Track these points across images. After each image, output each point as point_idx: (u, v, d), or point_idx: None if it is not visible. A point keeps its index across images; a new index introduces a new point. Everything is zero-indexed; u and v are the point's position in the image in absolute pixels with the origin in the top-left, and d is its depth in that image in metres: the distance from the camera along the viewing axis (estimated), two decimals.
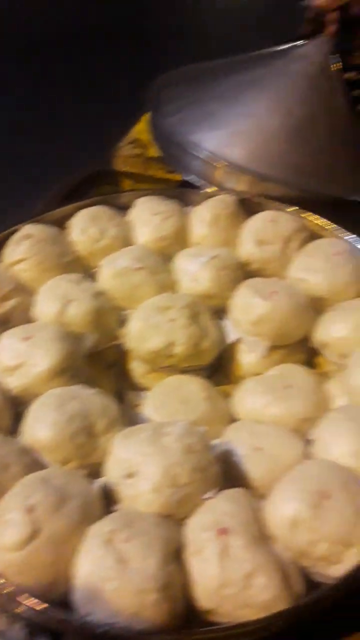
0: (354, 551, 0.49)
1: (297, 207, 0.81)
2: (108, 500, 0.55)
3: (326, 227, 0.81)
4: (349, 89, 0.86)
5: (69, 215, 0.85)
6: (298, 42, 0.93)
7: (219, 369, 0.79)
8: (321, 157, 0.83)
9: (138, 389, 0.75)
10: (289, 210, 0.82)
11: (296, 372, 0.70)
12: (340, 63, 0.88)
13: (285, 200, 0.82)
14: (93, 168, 1.18)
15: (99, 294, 0.75)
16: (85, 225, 0.83)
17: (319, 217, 0.81)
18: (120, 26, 3.48)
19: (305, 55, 0.90)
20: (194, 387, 0.69)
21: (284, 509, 0.51)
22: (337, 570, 0.50)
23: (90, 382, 0.68)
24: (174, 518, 0.53)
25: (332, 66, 0.88)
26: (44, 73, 2.96)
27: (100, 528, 0.49)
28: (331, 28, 0.89)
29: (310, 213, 0.81)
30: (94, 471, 0.58)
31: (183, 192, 0.89)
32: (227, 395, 0.72)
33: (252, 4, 3.49)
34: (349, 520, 0.50)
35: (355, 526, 0.49)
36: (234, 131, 0.85)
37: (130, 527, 0.49)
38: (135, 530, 0.49)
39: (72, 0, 3.84)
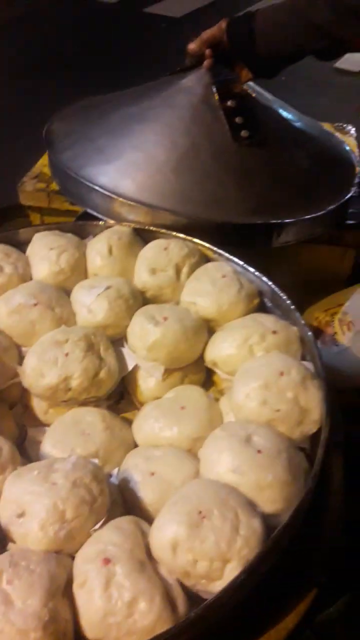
0: (232, 565, 0.52)
1: (185, 234, 0.85)
2: (3, 541, 0.57)
3: (213, 251, 0.85)
4: (229, 117, 0.91)
5: None
6: (181, 75, 0.97)
7: (123, 396, 0.81)
8: (206, 184, 0.87)
9: (41, 424, 0.76)
10: (178, 237, 0.86)
11: (190, 393, 0.74)
12: (219, 93, 0.92)
13: (175, 228, 0.86)
14: (3, 203, 1.20)
15: None
16: None
17: (205, 242, 0.85)
18: (40, 59, 3.51)
19: (188, 86, 0.95)
20: (92, 418, 0.71)
21: (163, 532, 0.53)
22: (219, 585, 0.52)
23: None
24: (64, 552, 0.55)
25: (212, 96, 0.92)
26: None
27: None
28: (208, 61, 0.94)
29: (197, 239, 0.85)
30: None
31: (80, 225, 0.92)
32: (131, 422, 0.75)
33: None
34: (225, 536, 0.52)
35: (232, 541, 0.53)
36: (123, 164, 0.88)
37: (15, 567, 0.50)
38: (19, 570, 0.50)
39: None
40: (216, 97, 0.92)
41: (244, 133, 0.89)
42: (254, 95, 0.97)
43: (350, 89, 2.99)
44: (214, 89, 0.92)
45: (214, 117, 0.91)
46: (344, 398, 0.76)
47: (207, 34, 0.94)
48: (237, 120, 0.90)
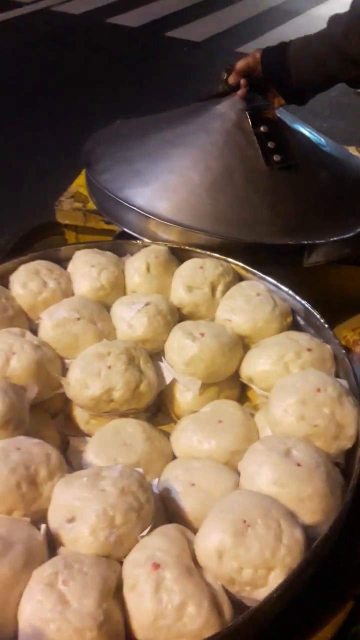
0: (276, 573, 0.54)
1: (220, 254, 0.88)
2: (52, 545, 0.59)
3: (247, 270, 0.88)
4: (262, 142, 0.95)
5: (11, 270, 0.89)
6: (215, 101, 1.02)
7: (160, 409, 0.84)
8: (239, 206, 0.90)
9: (82, 434, 0.79)
10: (213, 256, 0.89)
11: (227, 408, 0.76)
12: (252, 119, 0.96)
13: (209, 248, 0.89)
14: (38, 221, 1.24)
15: (40, 346, 0.79)
16: (26, 280, 0.87)
17: (239, 262, 0.88)
18: (65, 82, 3.63)
19: (221, 112, 0.99)
20: (133, 429, 0.74)
21: (209, 540, 0.55)
22: (263, 592, 0.54)
23: (34, 431, 0.72)
24: (112, 557, 0.57)
25: (245, 122, 0.96)
26: None
27: (42, 572, 0.53)
28: (242, 90, 0.98)
29: (231, 259, 0.88)
30: (39, 518, 0.62)
31: (118, 244, 0.95)
32: (168, 435, 0.77)
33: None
34: (269, 545, 0.55)
35: (275, 550, 0.55)
36: (160, 187, 0.92)
37: (70, 569, 0.53)
38: (74, 572, 0.53)
39: (25, 54, 3.98)
40: (249, 122, 0.96)
41: (276, 157, 0.93)
42: (284, 120, 1.01)
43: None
44: (248, 115, 0.96)
45: (247, 141, 0.95)
46: None
47: (241, 64, 0.99)
48: (270, 145, 0.94)
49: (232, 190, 0.91)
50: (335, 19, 0.90)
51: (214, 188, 0.90)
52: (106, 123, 1.39)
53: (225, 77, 1.01)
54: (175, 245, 0.91)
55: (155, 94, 3.47)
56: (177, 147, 0.96)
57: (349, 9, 0.88)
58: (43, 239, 1.22)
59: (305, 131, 1.04)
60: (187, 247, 0.90)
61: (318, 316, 0.81)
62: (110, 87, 3.58)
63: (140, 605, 0.52)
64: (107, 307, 0.88)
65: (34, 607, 0.50)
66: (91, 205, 1.13)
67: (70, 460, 0.74)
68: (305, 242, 0.90)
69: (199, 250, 0.90)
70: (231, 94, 1.01)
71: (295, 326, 0.85)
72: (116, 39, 4.33)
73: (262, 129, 0.95)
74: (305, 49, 0.92)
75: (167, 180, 0.92)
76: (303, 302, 0.84)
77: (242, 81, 0.98)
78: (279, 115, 1.00)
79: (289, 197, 0.93)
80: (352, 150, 1.34)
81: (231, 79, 1.00)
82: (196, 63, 3.92)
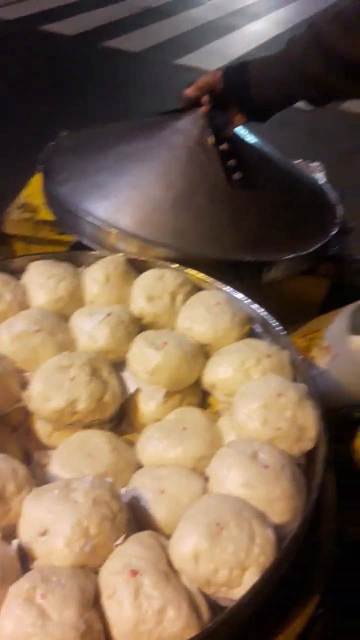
0: (251, 572, 0.56)
1: (179, 265, 0.90)
2: (24, 559, 0.58)
3: (206, 280, 0.90)
4: (223, 159, 0.98)
5: None
6: (177, 117, 1.04)
7: (123, 419, 0.84)
8: (201, 222, 0.93)
9: (45, 448, 0.78)
10: (172, 267, 0.91)
11: (191, 414, 0.78)
12: (214, 136, 0.99)
13: (169, 260, 0.91)
14: None
15: None
16: None
17: (198, 272, 0.90)
18: (1, 90, 3.55)
19: (183, 128, 1.01)
20: (98, 440, 0.73)
21: (185, 544, 0.56)
22: (239, 592, 0.56)
23: None
24: (88, 567, 0.57)
25: (207, 139, 0.99)
26: None
27: (19, 587, 0.52)
28: (204, 107, 1.01)
29: (191, 269, 0.91)
30: (9, 533, 0.61)
31: (74, 255, 0.95)
32: (132, 444, 0.78)
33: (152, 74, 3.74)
34: (243, 545, 0.56)
35: (249, 550, 0.57)
36: (122, 200, 0.93)
37: (48, 583, 0.52)
38: (52, 585, 0.52)
39: None
40: (211, 140, 0.98)
41: (237, 175, 0.96)
42: (244, 138, 1.05)
43: (308, 125, 3.16)
44: (210, 133, 0.99)
45: (209, 159, 0.97)
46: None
47: (202, 81, 1.01)
48: (231, 162, 0.97)
49: (195, 207, 0.93)
50: (293, 41, 0.94)
51: (176, 203, 0.93)
52: (48, 132, 1.38)
53: (186, 97, 1.04)
54: (134, 257, 0.92)
55: (95, 104, 3.46)
56: (138, 161, 0.97)
57: (305, 30, 0.92)
58: None
59: (264, 148, 1.08)
60: (146, 258, 0.92)
61: (275, 323, 0.85)
62: (48, 95, 3.54)
63: (121, 612, 0.52)
64: (66, 319, 0.87)
65: (14, 623, 0.50)
66: (41, 215, 1.12)
67: (34, 474, 0.73)
68: (265, 259, 0.94)
69: (158, 261, 0.91)
70: (193, 110, 1.03)
71: (253, 334, 0.88)
72: (52, 47, 4.29)
73: (223, 146, 0.98)
74: (265, 69, 0.96)
75: (129, 195, 0.93)
76: (260, 310, 0.87)
77: (205, 98, 1.00)
78: (239, 132, 1.04)
79: (249, 213, 0.97)
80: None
81: (190, 92, 1.02)
82: (134, 74, 3.96)
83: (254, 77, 0.96)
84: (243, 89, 0.96)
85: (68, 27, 4.62)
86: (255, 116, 1.02)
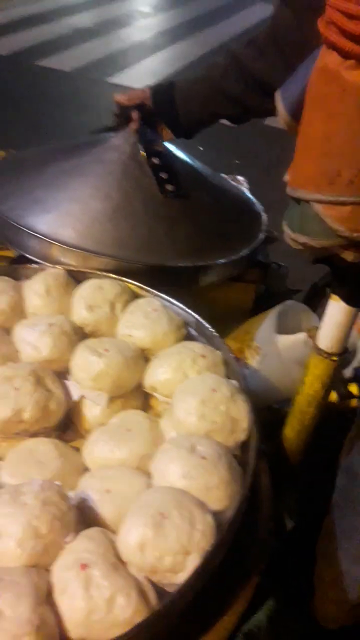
0: (193, 557, 0.61)
1: (119, 276, 0.95)
2: None
3: (142, 288, 0.95)
4: (155, 173, 1.03)
5: None
6: (109, 134, 1.09)
7: (69, 426, 0.87)
8: (139, 231, 0.98)
9: None
10: (110, 277, 0.95)
11: (133, 417, 0.81)
12: (145, 151, 1.05)
13: (112, 271, 0.95)
14: None
15: None
16: None
17: (135, 281, 0.95)
18: None
19: (116, 145, 1.06)
20: (45, 447, 0.76)
21: (131, 535, 0.60)
22: (183, 576, 0.60)
23: None
24: (40, 566, 0.60)
25: (138, 154, 1.05)
26: None
27: None
28: (134, 124, 1.07)
29: (127, 279, 0.95)
30: None
31: (13, 268, 0.97)
32: (78, 449, 0.80)
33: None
34: (185, 532, 0.61)
35: (191, 536, 0.61)
36: (61, 214, 0.97)
37: (1, 582, 0.55)
38: (5, 584, 0.54)
39: None
40: (143, 154, 1.04)
41: (169, 187, 1.02)
42: (174, 153, 1.11)
43: (232, 140, 3.29)
44: (141, 148, 1.04)
45: (142, 172, 1.03)
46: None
47: (134, 93, 1.07)
48: (162, 175, 1.03)
49: (132, 218, 0.98)
50: (214, 64, 1.02)
51: (115, 215, 0.97)
52: None
53: (117, 112, 1.09)
54: (73, 268, 0.96)
55: (30, 122, 3.46)
56: (75, 176, 1.01)
57: (224, 55, 1.01)
58: None
59: (191, 161, 1.15)
60: (84, 270, 0.95)
61: (208, 326, 0.90)
62: None
63: (73, 605, 0.55)
64: (8, 331, 0.89)
65: None
66: None
67: None
68: (198, 264, 1.00)
69: (97, 272, 0.95)
70: (124, 127, 1.09)
71: (188, 337, 0.93)
72: None
73: (154, 160, 1.03)
74: (190, 89, 1.03)
75: (69, 209, 0.97)
76: (194, 314, 0.92)
77: (135, 114, 1.06)
78: (167, 146, 1.10)
79: (183, 222, 1.03)
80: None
81: (122, 99, 1.07)
82: (67, 91, 3.99)
83: (180, 97, 1.03)
84: (170, 107, 1.03)
85: (2, 47, 4.60)
86: (182, 133, 1.09)
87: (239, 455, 0.77)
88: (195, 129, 1.09)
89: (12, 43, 4.69)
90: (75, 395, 0.85)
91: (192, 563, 0.60)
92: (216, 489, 0.67)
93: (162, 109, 1.05)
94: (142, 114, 1.08)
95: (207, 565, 0.61)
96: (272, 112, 1.01)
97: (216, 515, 0.66)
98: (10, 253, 1.05)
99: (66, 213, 0.97)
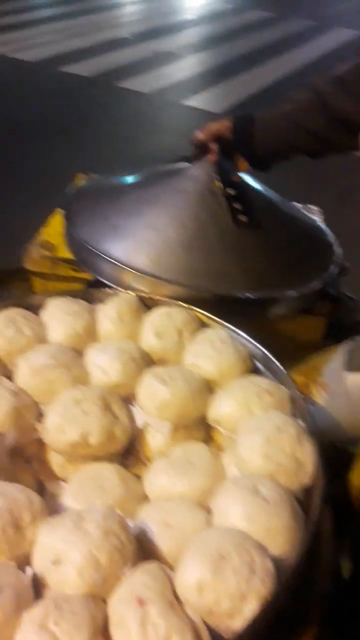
0: (251, 603, 0.59)
1: (189, 304, 0.96)
2: (38, 587, 0.62)
3: (209, 318, 0.96)
4: (230, 204, 1.04)
5: None
6: (187, 164, 1.11)
7: (131, 452, 0.88)
8: (211, 261, 0.99)
9: (57, 479, 0.82)
10: (179, 304, 0.96)
11: (196, 449, 0.81)
12: (222, 182, 1.06)
13: (182, 299, 0.96)
14: (4, 267, 1.27)
15: (17, 392, 0.82)
16: (2, 328, 0.90)
17: (204, 311, 0.95)
18: (23, 129, 3.70)
19: (194, 175, 1.08)
20: (108, 473, 0.77)
21: (189, 575, 0.60)
22: (240, 622, 0.59)
23: (11, 477, 0.74)
24: (98, 596, 0.60)
25: (215, 185, 1.06)
26: None
27: (33, 614, 0.55)
28: (213, 155, 1.09)
29: (195, 308, 0.96)
30: (23, 561, 0.64)
31: (90, 292, 1.00)
32: (139, 477, 0.81)
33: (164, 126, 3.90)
34: (244, 576, 0.60)
35: (250, 581, 0.60)
36: (137, 241, 1.00)
37: (60, 610, 0.56)
38: (64, 613, 0.55)
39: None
40: (218, 185, 1.05)
41: (242, 218, 1.03)
42: (250, 183, 1.12)
43: (306, 169, 3.26)
44: (217, 179, 1.06)
45: (217, 202, 1.04)
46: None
47: (214, 126, 1.10)
48: (237, 206, 1.04)
49: (206, 247, 1.00)
50: (295, 100, 1.03)
51: (188, 244, 0.99)
52: (65, 171, 1.45)
53: (196, 142, 1.12)
54: (144, 294, 0.98)
55: (109, 141, 3.60)
56: (152, 205, 1.04)
57: (307, 91, 1.01)
58: (9, 285, 1.25)
59: (266, 192, 1.15)
60: (154, 296, 0.97)
61: (275, 361, 0.89)
62: (66, 135, 3.68)
63: (128, 639, 0.55)
64: (81, 354, 0.92)
65: None
66: (60, 253, 1.18)
67: (47, 504, 0.76)
68: (269, 296, 0.99)
69: (167, 299, 0.97)
70: (202, 158, 1.11)
71: (255, 370, 0.92)
72: (70, 88, 4.48)
73: (230, 191, 1.05)
74: (270, 123, 1.04)
75: (145, 236, 1.00)
76: (262, 348, 0.91)
77: (213, 146, 1.08)
78: (244, 177, 1.11)
79: (255, 254, 1.03)
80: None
81: (201, 137, 1.09)
82: (145, 113, 4.11)
83: (259, 130, 1.04)
84: (249, 140, 1.04)
85: (86, 68, 4.82)
86: (259, 165, 1.09)
87: (302, 500, 0.75)
88: (272, 162, 1.09)
89: (94, 65, 4.91)
90: (139, 421, 0.86)
91: (250, 609, 0.59)
92: (278, 534, 0.65)
93: (241, 141, 1.06)
94: (220, 145, 1.10)
95: (266, 613, 0.59)
96: (354, 148, 1.00)
97: (277, 561, 0.64)
98: (88, 275, 1.09)
99: (141, 240, 1.00)
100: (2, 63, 4.84)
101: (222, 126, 1.09)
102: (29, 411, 0.82)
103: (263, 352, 0.92)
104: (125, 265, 0.96)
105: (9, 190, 2.93)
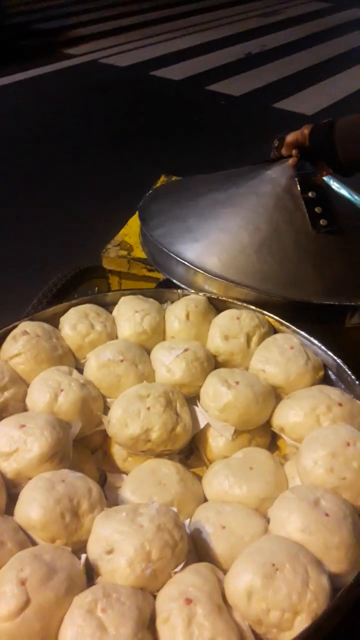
0: (302, 618, 0.57)
1: (257, 307, 0.94)
2: (90, 574, 0.63)
3: (281, 323, 0.93)
4: (309, 207, 1.02)
5: (61, 312, 0.97)
6: (266, 166, 1.09)
7: (193, 451, 0.88)
8: (286, 266, 0.97)
9: (119, 471, 0.83)
10: (249, 308, 0.95)
11: (258, 455, 0.80)
12: (301, 185, 1.03)
13: (254, 303, 0.95)
14: (85, 264, 1.33)
15: (85, 384, 0.85)
16: (75, 322, 0.94)
17: (275, 315, 0.93)
18: (111, 130, 3.84)
19: (272, 177, 1.06)
20: (168, 470, 0.78)
21: (239, 580, 0.59)
22: (289, 636, 0.57)
23: (75, 465, 0.77)
24: (147, 590, 0.61)
25: (294, 187, 1.04)
26: (42, 171, 3.26)
27: (83, 599, 0.57)
28: (293, 159, 1.06)
29: (266, 312, 0.94)
30: (79, 548, 0.66)
31: (160, 292, 1.02)
32: (199, 477, 0.81)
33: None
34: (296, 589, 0.58)
35: (302, 595, 0.58)
36: (210, 243, 1.00)
37: (108, 598, 0.57)
38: (112, 601, 0.56)
39: (74, 103, 4.25)
40: (298, 188, 1.03)
41: (322, 222, 1.00)
42: (332, 186, 1.08)
43: None
44: (297, 181, 1.03)
45: (295, 206, 1.02)
46: None
47: (291, 138, 1.07)
48: (317, 209, 1.00)
49: (280, 251, 0.97)
50: None
51: (262, 248, 0.97)
52: (152, 172, 1.47)
53: (276, 145, 1.09)
54: (214, 296, 0.98)
55: (196, 143, 3.63)
56: (227, 207, 1.03)
57: None
58: (88, 281, 1.30)
59: (351, 197, 1.11)
60: (224, 298, 0.97)
61: (349, 372, 0.85)
62: (153, 137, 3.77)
63: (173, 637, 0.55)
64: (148, 351, 0.94)
65: (74, 632, 0.54)
66: (135, 253, 1.21)
67: (107, 495, 0.78)
68: (348, 303, 0.95)
69: (236, 302, 0.96)
70: (282, 160, 1.09)
71: (326, 380, 0.89)
72: (159, 91, 4.58)
73: (310, 194, 1.02)
74: (350, 131, 0.99)
75: (218, 238, 1.00)
76: (335, 357, 0.88)
77: (294, 152, 1.05)
78: (326, 181, 1.07)
79: (333, 259, 0.99)
80: None
81: (283, 151, 1.07)
82: (234, 116, 4.11)
83: (339, 137, 0.99)
84: (329, 148, 1.00)
85: (175, 72, 4.91)
86: (339, 172, 1.05)
87: None
88: (355, 168, 1.04)
89: (183, 69, 4.98)
90: (202, 422, 0.85)
91: (300, 624, 0.57)
92: (336, 549, 0.62)
93: (320, 149, 1.03)
94: (302, 152, 1.07)
95: (317, 630, 0.57)
96: None
97: (333, 577, 0.61)
98: (160, 275, 1.10)
99: (214, 242, 0.99)
100: (95, 68, 5.04)
101: (301, 136, 1.06)
102: (95, 403, 0.84)
103: (336, 362, 0.88)
104: (197, 267, 0.96)
105: (98, 190, 3.04)
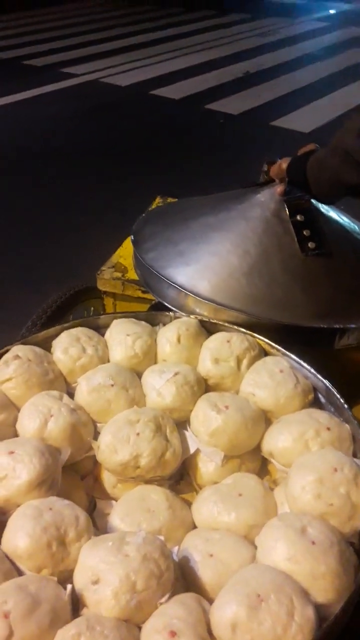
0: None
1: (247, 330, 0.94)
2: (76, 604, 0.63)
3: (271, 346, 0.94)
4: (298, 230, 1.02)
5: (54, 335, 0.97)
6: (256, 189, 1.11)
7: (183, 477, 0.88)
8: (275, 289, 0.98)
9: (109, 497, 0.83)
10: (240, 330, 0.95)
11: (248, 481, 0.79)
12: (290, 209, 1.04)
13: (243, 326, 0.95)
14: (80, 285, 1.34)
15: (76, 409, 0.85)
16: (67, 346, 0.94)
17: (264, 338, 0.94)
18: (110, 149, 3.88)
19: (261, 201, 1.07)
20: (157, 496, 0.77)
21: (224, 612, 0.58)
22: None
23: (65, 491, 0.77)
24: (132, 621, 0.60)
25: (283, 211, 1.04)
26: (39, 190, 3.30)
27: (66, 632, 0.57)
28: (281, 187, 1.06)
29: (257, 335, 0.94)
30: (65, 577, 0.66)
31: (152, 314, 1.03)
32: (188, 502, 0.81)
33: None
34: (281, 621, 0.57)
35: (287, 626, 0.57)
36: (201, 267, 1.01)
37: (92, 631, 0.57)
38: (95, 634, 0.56)
39: (74, 121, 4.31)
40: (287, 212, 1.04)
41: (310, 244, 1.00)
42: (320, 209, 1.08)
43: None
44: (285, 205, 1.04)
45: (284, 229, 1.03)
46: None
47: (273, 172, 1.07)
48: (305, 232, 1.01)
49: (269, 274, 0.98)
50: (332, 151, 0.93)
51: (252, 271, 0.98)
52: (149, 191, 1.48)
53: (265, 169, 1.10)
54: (204, 319, 0.98)
55: (195, 161, 3.67)
56: (218, 231, 1.05)
57: (333, 147, 0.93)
58: (83, 302, 1.31)
59: (340, 219, 1.12)
60: (215, 321, 0.97)
61: (338, 396, 0.85)
62: (152, 156, 3.81)
63: None
64: (140, 374, 0.94)
65: None
66: (129, 275, 1.22)
67: (96, 522, 0.78)
68: (338, 326, 0.96)
69: (226, 324, 0.96)
70: (271, 184, 1.10)
71: (316, 403, 0.89)
72: (159, 110, 4.63)
73: (298, 217, 1.03)
74: (319, 169, 0.96)
75: (208, 262, 1.01)
76: (324, 380, 0.88)
77: (281, 179, 1.06)
78: (314, 204, 1.08)
79: (322, 282, 1.00)
80: None
81: (270, 174, 1.08)
82: (232, 134, 4.15)
83: (311, 176, 0.97)
84: (304, 184, 0.99)
85: (174, 91, 4.97)
86: (321, 201, 1.05)
87: (356, 544, 0.71)
88: (332, 198, 1.03)
89: (182, 88, 5.04)
90: (192, 447, 0.85)
91: None
92: (322, 578, 0.62)
93: (297, 184, 1.03)
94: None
95: None
96: None
97: (320, 607, 0.61)
98: (149, 296, 1.11)
99: (205, 266, 1.00)
100: (96, 88, 5.11)
101: (278, 170, 1.05)
102: (86, 428, 0.84)
103: (325, 385, 0.88)
104: (187, 291, 0.97)
105: (96, 210, 3.07)
